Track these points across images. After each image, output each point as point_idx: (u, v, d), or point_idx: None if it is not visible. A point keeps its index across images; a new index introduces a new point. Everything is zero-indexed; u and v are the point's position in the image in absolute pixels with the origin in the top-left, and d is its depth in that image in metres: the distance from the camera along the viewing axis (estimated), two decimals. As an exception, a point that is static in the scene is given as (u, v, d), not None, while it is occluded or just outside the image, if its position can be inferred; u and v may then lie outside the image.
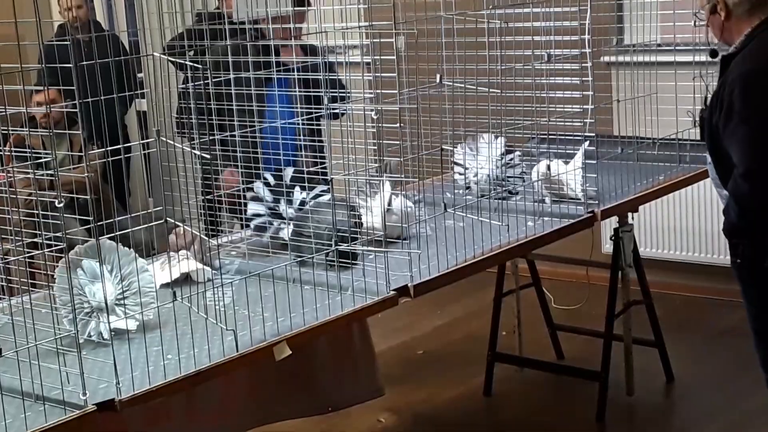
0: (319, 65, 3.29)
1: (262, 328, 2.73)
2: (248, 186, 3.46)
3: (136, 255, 2.84)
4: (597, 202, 3.78)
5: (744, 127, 2.89)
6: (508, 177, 3.92)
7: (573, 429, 4.29)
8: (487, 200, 3.64)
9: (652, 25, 4.45)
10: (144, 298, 2.80)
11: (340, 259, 3.11)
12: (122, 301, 2.79)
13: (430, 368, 4.95)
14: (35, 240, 2.63)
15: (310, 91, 3.43)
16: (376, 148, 3.09)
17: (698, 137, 3.73)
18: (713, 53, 3.25)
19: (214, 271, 3.12)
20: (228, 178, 3.76)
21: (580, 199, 3.79)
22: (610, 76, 4.69)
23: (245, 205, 3.46)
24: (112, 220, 2.65)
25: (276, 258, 3.25)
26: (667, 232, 5.56)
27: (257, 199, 3.45)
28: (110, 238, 2.73)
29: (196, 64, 2.78)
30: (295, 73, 3.51)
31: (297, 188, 3.42)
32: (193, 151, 2.70)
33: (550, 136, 3.88)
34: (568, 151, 3.89)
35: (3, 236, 2.79)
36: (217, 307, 2.80)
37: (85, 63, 2.39)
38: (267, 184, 3.45)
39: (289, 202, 3.40)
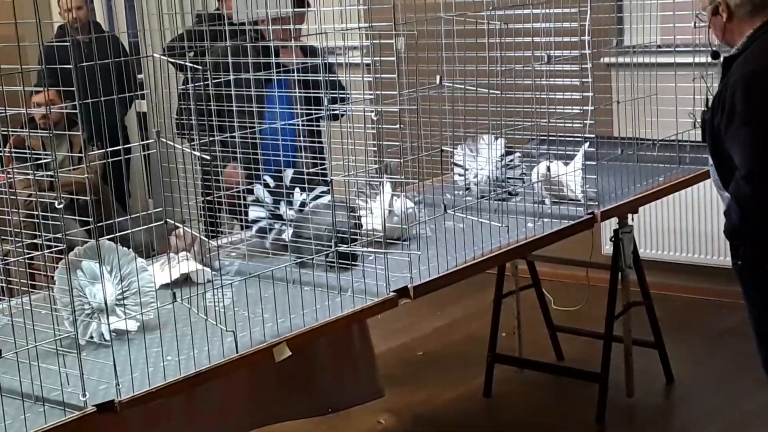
0: (318, 66, 3.29)
1: (262, 330, 2.73)
2: (248, 188, 3.46)
3: (136, 255, 2.84)
4: (597, 203, 3.78)
5: (746, 128, 2.89)
6: (508, 178, 3.92)
7: (573, 430, 4.29)
8: (487, 201, 3.64)
9: (652, 27, 4.45)
10: (144, 297, 2.80)
11: (340, 261, 3.11)
12: (122, 302, 2.79)
13: (430, 369, 4.95)
14: (35, 241, 2.63)
15: (309, 92, 3.43)
16: (375, 149, 3.09)
17: (698, 138, 3.73)
18: (715, 55, 3.25)
19: (213, 272, 3.12)
20: (230, 172, 3.75)
21: (579, 201, 3.79)
22: (610, 77, 4.69)
23: (246, 206, 3.46)
24: (112, 221, 2.65)
25: (276, 259, 3.25)
26: (667, 233, 5.56)
27: (258, 202, 3.45)
28: (110, 240, 2.73)
29: (195, 65, 2.78)
30: (295, 74, 3.51)
31: (297, 189, 3.42)
32: (193, 152, 2.70)
33: (550, 138, 3.88)
34: (567, 153, 3.89)
35: (3, 237, 2.79)
36: (216, 308, 2.79)
37: (85, 64, 2.39)
38: (267, 186, 3.45)
39: (290, 204, 3.40)
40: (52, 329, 2.47)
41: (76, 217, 2.50)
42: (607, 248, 5.00)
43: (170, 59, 2.97)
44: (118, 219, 2.68)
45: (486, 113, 3.67)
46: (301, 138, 3.50)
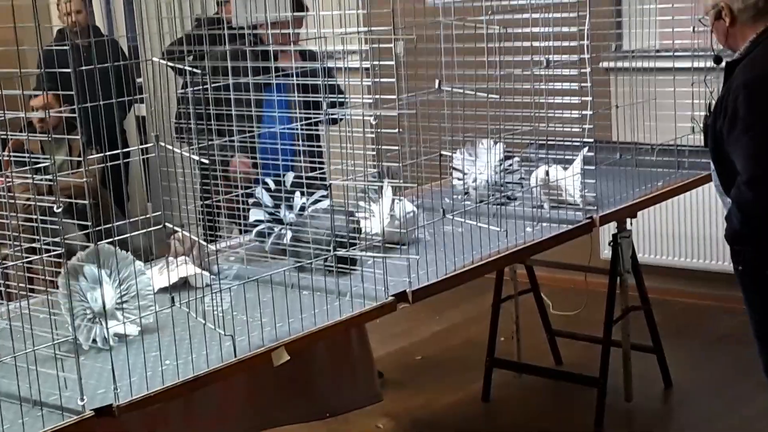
0: (317, 70, 3.29)
1: (261, 334, 2.73)
2: (248, 192, 3.46)
3: (134, 258, 2.83)
4: (595, 207, 3.78)
5: (748, 134, 2.88)
6: (507, 183, 3.92)
7: (571, 435, 4.29)
8: (486, 206, 3.64)
9: (651, 31, 4.46)
10: (143, 301, 2.79)
11: (339, 265, 3.11)
12: (122, 306, 2.79)
13: (429, 374, 4.94)
14: (34, 245, 2.63)
15: (308, 97, 3.42)
16: (374, 153, 3.09)
17: (697, 143, 3.74)
18: (717, 59, 3.24)
19: (212, 276, 3.12)
20: (236, 163, 3.75)
21: (578, 205, 3.79)
22: (608, 81, 4.70)
23: (246, 209, 3.45)
24: (111, 225, 2.64)
25: (275, 263, 3.25)
26: (665, 238, 5.56)
27: (258, 205, 3.44)
28: (109, 244, 2.72)
29: (195, 70, 2.77)
30: (294, 78, 3.51)
31: (297, 193, 3.42)
32: (192, 156, 2.70)
33: (549, 142, 3.88)
34: (566, 157, 3.89)
35: (1, 241, 2.78)
36: (215, 312, 2.79)
37: (84, 68, 2.39)
38: (267, 190, 3.45)
39: (290, 208, 3.40)
40: (50, 333, 2.47)
41: (75, 221, 2.50)
42: (606, 253, 5.00)
43: (169, 63, 2.96)
44: (117, 223, 2.68)
45: (485, 117, 3.67)
46: (300, 142, 3.50)
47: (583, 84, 3.70)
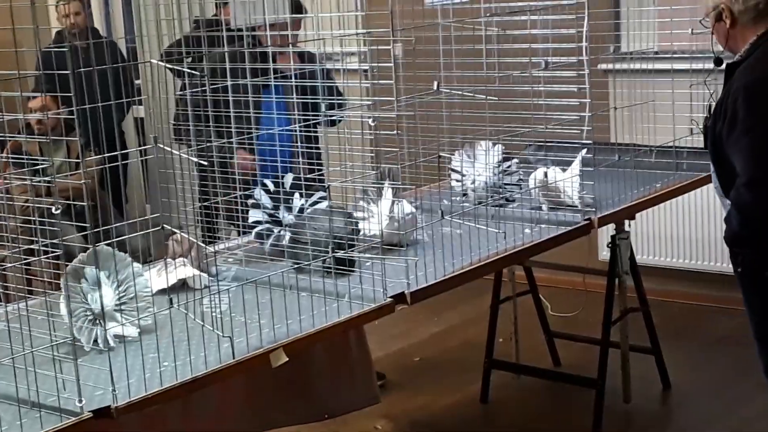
0: (316, 72, 3.29)
1: (259, 335, 2.72)
2: (246, 193, 3.46)
3: (132, 260, 2.83)
4: (594, 209, 3.78)
5: (747, 136, 2.88)
6: (506, 184, 3.92)
7: (570, 436, 4.29)
8: (484, 207, 3.64)
9: (650, 33, 4.46)
10: (140, 302, 2.79)
11: (337, 266, 3.11)
12: (120, 307, 2.79)
13: (427, 375, 4.94)
14: (32, 247, 2.63)
15: (307, 98, 3.42)
16: (373, 155, 3.09)
17: (695, 144, 3.74)
18: (718, 61, 3.24)
19: (210, 278, 3.12)
20: (241, 158, 3.76)
21: (577, 207, 3.79)
22: (607, 83, 4.69)
23: (245, 206, 3.45)
24: (109, 226, 2.64)
25: (273, 265, 3.25)
26: (664, 239, 5.56)
27: (257, 206, 3.44)
28: (107, 245, 2.72)
29: (193, 71, 2.78)
30: (293, 80, 3.51)
31: (296, 194, 3.42)
32: (190, 157, 2.70)
33: (548, 144, 3.88)
34: (565, 159, 3.89)
35: (0, 243, 2.79)
36: (213, 313, 2.79)
37: (82, 70, 2.39)
38: (267, 191, 3.45)
39: (289, 209, 3.40)
40: (48, 335, 2.47)
41: (73, 223, 2.50)
42: (604, 254, 5.00)
43: (168, 65, 2.97)
44: (116, 224, 2.68)
45: (483, 119, 3.67)
46: (299, 144, 3.50)
47: (581, 86, 3.70)
